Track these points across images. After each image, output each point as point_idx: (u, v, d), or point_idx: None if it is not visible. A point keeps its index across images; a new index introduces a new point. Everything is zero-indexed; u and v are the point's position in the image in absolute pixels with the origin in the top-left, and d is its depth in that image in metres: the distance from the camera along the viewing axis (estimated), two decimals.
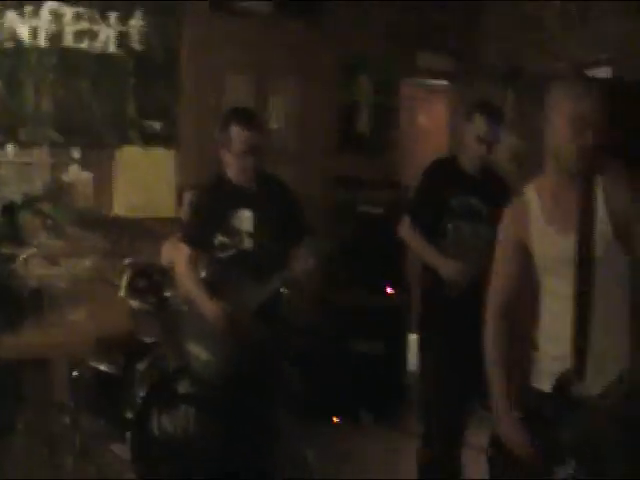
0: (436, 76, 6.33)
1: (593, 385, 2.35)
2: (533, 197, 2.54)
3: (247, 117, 3.48)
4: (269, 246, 3.51)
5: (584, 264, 2.36)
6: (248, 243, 3.50)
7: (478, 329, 3.83)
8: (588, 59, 4.73)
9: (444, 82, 6.42)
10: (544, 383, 2.44)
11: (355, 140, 6.03)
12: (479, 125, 3.77)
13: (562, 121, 2.37)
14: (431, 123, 6.88)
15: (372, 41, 5.93)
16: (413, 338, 5.21)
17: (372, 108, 6.03)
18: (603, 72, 4.75)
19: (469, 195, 3.79)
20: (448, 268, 3.69)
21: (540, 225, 2.49)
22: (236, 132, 3.41)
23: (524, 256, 2.55)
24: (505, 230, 2.63)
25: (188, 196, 4.50)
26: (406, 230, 3.89)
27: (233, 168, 3.49)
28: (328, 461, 4.57)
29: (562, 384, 2.37)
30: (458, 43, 6.12)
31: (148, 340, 4.23)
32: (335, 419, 5.37)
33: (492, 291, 2.65)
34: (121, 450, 4.13)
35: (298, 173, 5.89)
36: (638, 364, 2.37)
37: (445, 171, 3.90)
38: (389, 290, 5.52)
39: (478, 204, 3.79)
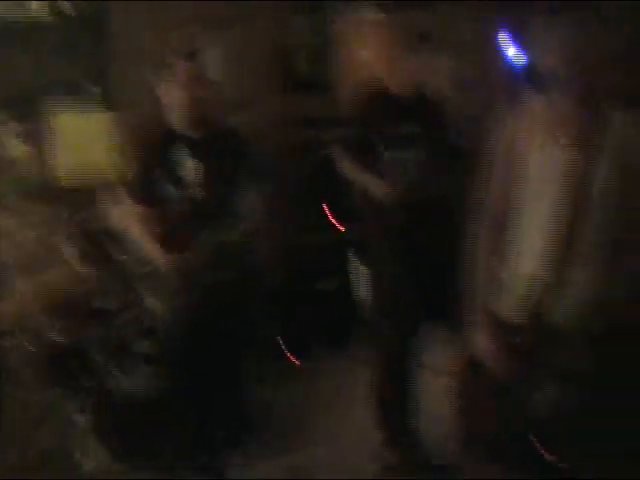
0: (372, 9, 6.23)
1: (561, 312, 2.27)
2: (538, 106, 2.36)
3: (187, 52, 3.58)
4: (219, 193, 3.47)
5: (574, 184, 2.25)
6: (197, 192, 3.45)
7: (427, 250, 3.85)
8: None
9: (380, 14, 6.31)
10: (516, 312, 2.33)
11: (297, 81, 5.99)
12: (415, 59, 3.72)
13: None
14: (370, 56, 6.79)
15: None
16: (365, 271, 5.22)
17: (309, 47, 5.96)
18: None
19: (404, 122, 3.71)
20: (381, 188, 3.63)
21: (539, 134, 2.35)
22: (176, 64, 3.46)
23: (516, 166, 2.39)
24: (502, 139, 2.47)
25: (132, 153, 4.41)
26: (340, 161, 3.83)
27: (175, 108, 3.44)
28: (287, 398, 4.61)
29: (535, 313, 2.27)
30: None
31: (102, 306, 4.18)
32: (295, 361, 5.34)
33: (486, 204, 2.50)
34: (83, 419, 4.10)
35: (246, 118, 5.84)
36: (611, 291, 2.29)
37: (376, 101, 3.81)
38: (340, 227, 5.52)
39: (414, 130, 3.72)
